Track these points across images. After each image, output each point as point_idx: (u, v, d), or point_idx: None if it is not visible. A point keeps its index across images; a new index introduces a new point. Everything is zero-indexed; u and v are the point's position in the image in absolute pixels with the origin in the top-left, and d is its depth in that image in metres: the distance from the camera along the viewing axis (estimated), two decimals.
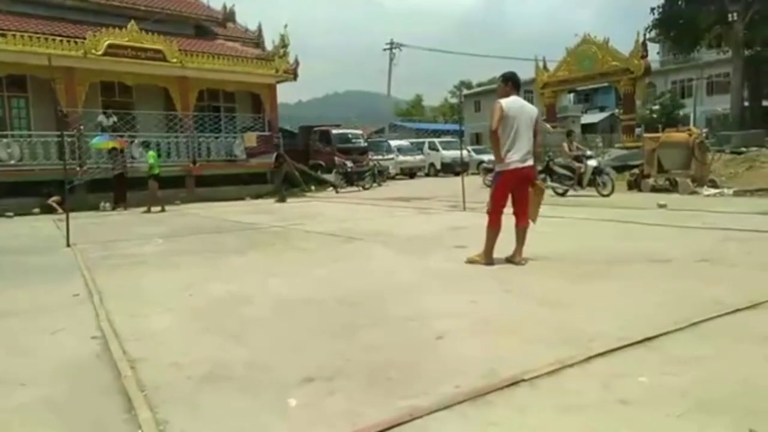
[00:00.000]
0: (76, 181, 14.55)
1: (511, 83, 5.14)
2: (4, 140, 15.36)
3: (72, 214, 8.51)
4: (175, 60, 17.46)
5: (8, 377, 2.78)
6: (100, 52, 16.07)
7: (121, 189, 15.26)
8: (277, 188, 16.37)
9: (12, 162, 15.11)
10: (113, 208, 14.75)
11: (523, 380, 2.40)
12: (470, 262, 5.16)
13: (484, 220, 5.25)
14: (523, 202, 5.18)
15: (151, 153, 14.92)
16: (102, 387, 2.60)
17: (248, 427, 2.14)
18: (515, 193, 5.17)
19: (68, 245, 7.57)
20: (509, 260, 5.10)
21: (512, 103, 5.00)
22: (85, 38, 15.91)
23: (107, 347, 3.15)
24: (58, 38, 15.64)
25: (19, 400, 2.50)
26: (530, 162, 5.08)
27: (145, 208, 13.91)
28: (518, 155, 4.97)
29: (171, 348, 3.12)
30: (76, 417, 2.30)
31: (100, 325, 3.60)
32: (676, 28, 27.93)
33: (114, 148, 15.40)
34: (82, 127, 16.01)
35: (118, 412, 2.32)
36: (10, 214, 13.59)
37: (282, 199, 15.93)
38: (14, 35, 14.85)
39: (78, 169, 15.16)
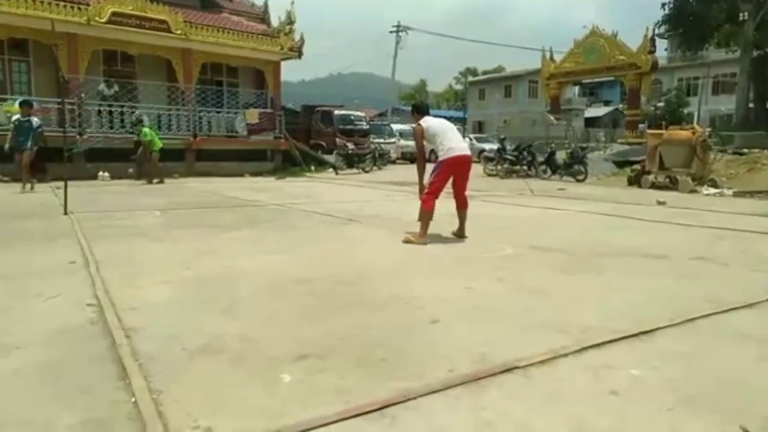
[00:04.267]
0: (76, 150, 14.45)
1: (416, 111, 6.08)
2: (4, 104, 15.21)
3: (70, 183, 8.46)
4: (179, 31, 17.24)
5: (1, 341, 2.78)
6: (103, 20, 15.85)
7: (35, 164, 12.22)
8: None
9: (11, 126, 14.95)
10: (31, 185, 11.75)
11: (517, 367, 2.42)
12: (407, 242, 5.56)
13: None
14: (463, 187, 5.82)
15: (145, 130, 14.37)
16: (96, 354, 2.61)
17: (241, 400, 2.15)
18: (456, 178, 5.76)
19: (66, 213, 7.55)
20: (455, 234, 5.84)
21: (428, 121, 5.83)
22: (89, 4, 15.69)
23: (102, 315, 3.16)
24: (62, 3, 15.40)
25: (12, 364, 2.50)
26: (468, 152, 5.76)
27: (151, 179, 14.16)
28: (456, 145, 5.66)
29: (166, 319, 3.12)
30: (69, 383, 2.31)
31: (96, 294, 3.60)
32: (685, 24, 27.73)
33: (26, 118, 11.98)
34: (83, 95, 15.87)
35: (111, 379, 2.32)
36: (6, 178, 13.52)
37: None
38: None
39: (78, 137, 15.04)
